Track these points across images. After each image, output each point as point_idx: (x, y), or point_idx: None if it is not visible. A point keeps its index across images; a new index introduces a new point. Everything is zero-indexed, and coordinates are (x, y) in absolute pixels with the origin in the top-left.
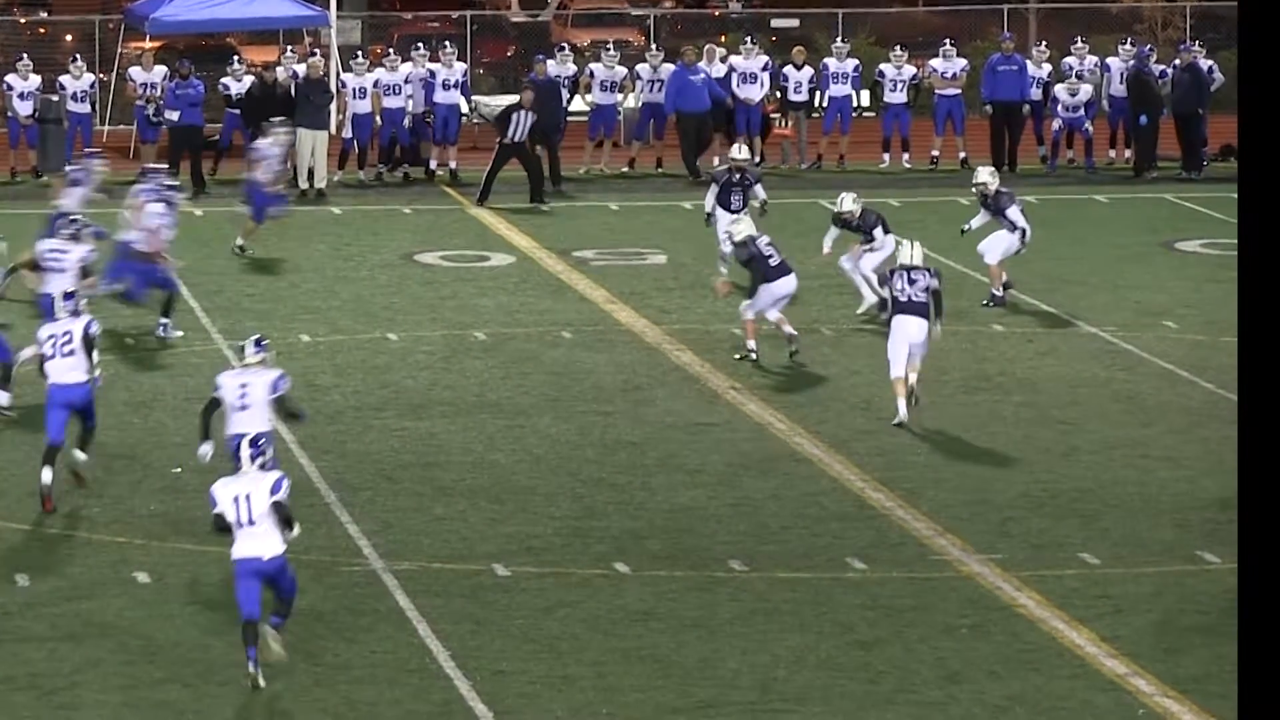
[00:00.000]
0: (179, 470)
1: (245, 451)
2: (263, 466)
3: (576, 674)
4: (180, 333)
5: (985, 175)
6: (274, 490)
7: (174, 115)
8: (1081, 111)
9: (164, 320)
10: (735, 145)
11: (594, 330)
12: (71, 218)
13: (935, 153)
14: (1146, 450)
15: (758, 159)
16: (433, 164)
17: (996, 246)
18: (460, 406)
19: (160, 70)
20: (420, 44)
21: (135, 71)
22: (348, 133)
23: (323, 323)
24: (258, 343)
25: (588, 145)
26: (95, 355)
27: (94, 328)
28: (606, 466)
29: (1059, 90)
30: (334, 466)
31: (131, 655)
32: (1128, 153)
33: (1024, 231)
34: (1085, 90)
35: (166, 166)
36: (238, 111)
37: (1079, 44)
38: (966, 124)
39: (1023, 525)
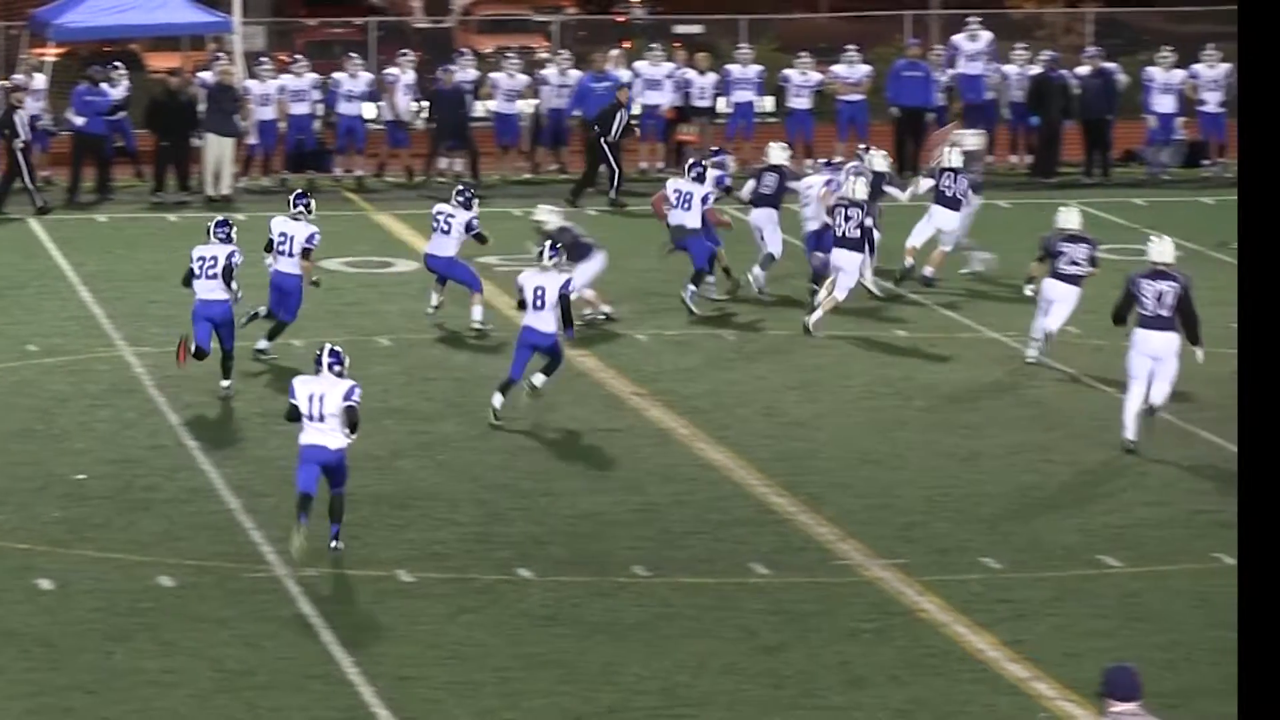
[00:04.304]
0: (83, 477)
1: (325, 359)
2: (339, 375)
3: (481, 680)
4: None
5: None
6: (347, 396)
7: (80, 120)
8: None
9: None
10: (776, 147)
11: (498, 336)
12: (461, 186)
13: (839, 158)
14: (1049, 455)
15: (660, 164)
16: (338, 171)
17: (943, 228)
18: (364, 412)
19: (41, 79)
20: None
21: (19, 77)
22: (253, 138)
23: None
24: (553, 247)
25: (495, 151)
26: (234, 282)
27: (236, 258)
28: (510, 472)
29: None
30: (237, 473)
31: (35, 662)
32: (1029, 158)
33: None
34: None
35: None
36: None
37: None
38: (869, 129)
39: (925, 530)
